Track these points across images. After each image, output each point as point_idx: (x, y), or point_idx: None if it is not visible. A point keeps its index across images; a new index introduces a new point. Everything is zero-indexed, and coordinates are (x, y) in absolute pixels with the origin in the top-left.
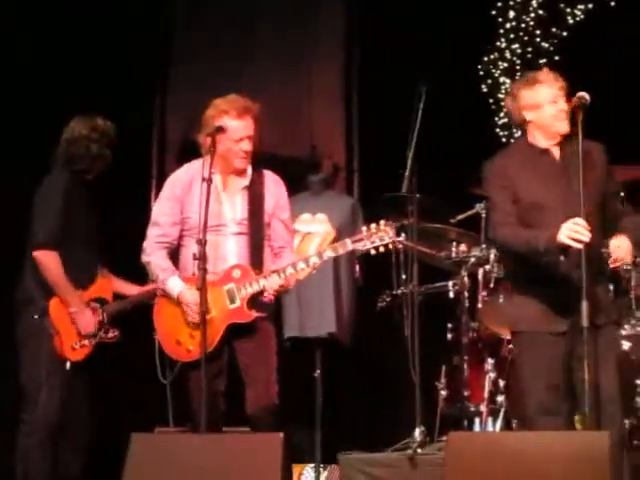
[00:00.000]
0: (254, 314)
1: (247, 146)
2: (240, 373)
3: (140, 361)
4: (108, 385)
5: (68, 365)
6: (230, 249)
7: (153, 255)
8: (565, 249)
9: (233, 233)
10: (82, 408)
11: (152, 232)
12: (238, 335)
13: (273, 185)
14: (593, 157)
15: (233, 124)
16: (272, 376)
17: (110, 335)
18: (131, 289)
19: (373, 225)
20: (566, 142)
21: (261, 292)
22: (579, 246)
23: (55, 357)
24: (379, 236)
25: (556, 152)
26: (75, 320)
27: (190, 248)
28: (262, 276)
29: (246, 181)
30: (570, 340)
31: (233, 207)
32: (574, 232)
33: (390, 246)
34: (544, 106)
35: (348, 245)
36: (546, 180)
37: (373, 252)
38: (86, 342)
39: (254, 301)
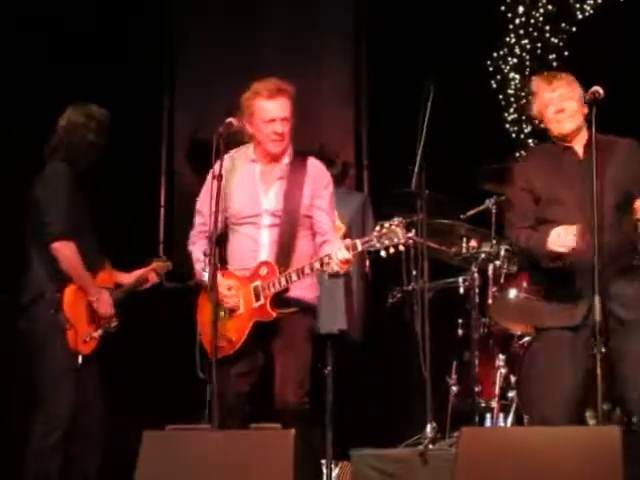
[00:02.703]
0: (276, 313)
1: (279, 128)
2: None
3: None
4: (145, 379)
5: (80, 359)
6: (263, 242)
7: (195, 245)
8: (559, 256)
9: (267, 225)
10: (94, 405)
11: (195, 221)
12: (270, 332)
13: (313, 174)
14: (617, 153)
15: (263, 104)
16: (303, 375)
17: (113, 325)
18: (126, 278)
19: (385, 225)
20: (595, 141)
21: (285, 290)
22: (565, 251)
23: (69, 353)
24: (389, 237)
25: (580, 150)
26: (97, 307)
27: (232, 240)
28: (284, 275)
29: (282, 172)
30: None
31: (267, 197)
32: (558, 239)
33: (401, 247)
34: (542, 112)
35: (358, 246)
36: (566, 178)
37: (383, 253)
38: (95, 334)
39: (280, 299)
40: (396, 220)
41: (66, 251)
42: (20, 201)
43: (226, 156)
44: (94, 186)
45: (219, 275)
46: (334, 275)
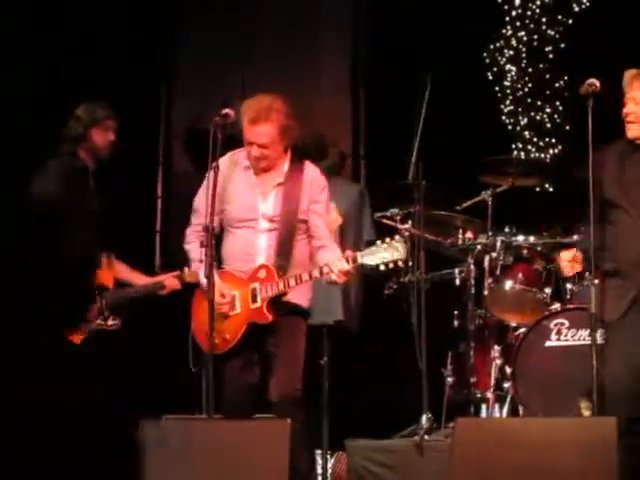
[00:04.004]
0: (272, 317)
1: (254, 152)
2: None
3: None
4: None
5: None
6: (260, 246)
7: (191, 244)
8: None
9: (264, 229)
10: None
11: (192, 220)
12: (266, 331)
13: (310, 180)
14: None
15: (246, 125)
16: (297, 365)
17: (110, 323)
18: (138, 278)
19: (387, 240)
20: None
21: (283, 294)
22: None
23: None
24: (390, 252)
25: None
26: None
27: (229, 242)
28: (282, 280)
29: (280, 178)
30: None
31: (266, 203)
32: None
33: (400, 264)
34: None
35: (358, 259)
36: (627, 178)
37: (383, 267)
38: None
39: (277, 303)
40: (397, 236)
41: None
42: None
43: (227, 155)
44: (101, 183)
45: (217, 277)
46: (332, 283)
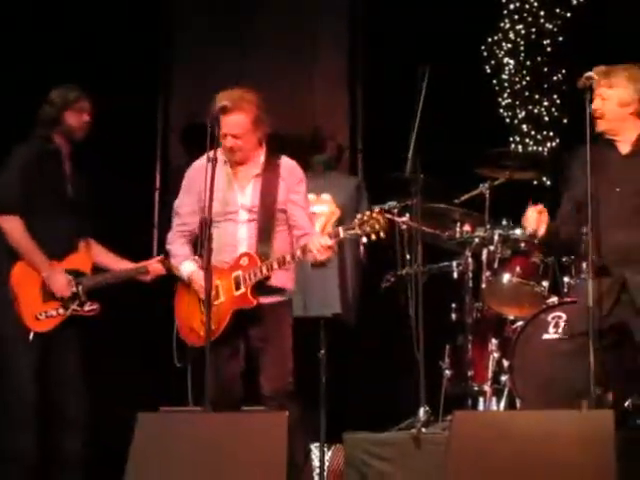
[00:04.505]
0: (257, 300)
1: (228, 142)
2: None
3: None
4: (130, 366)
5: (31, 336)
6: (241, 236)
7: (173, 244)
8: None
9: (244, 221)
10: (72, 383)
11: (174, 222)
12: (251, 321)
13: (287, 171)
14: None
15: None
16: (286, 359)
17: (87, 308)
18: (118, 263)
19: (367, 213)
20: None
21: (266, 278)
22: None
23: (21, 328)
24: (370, 224)
25: (623, 148)
26: (49, 285)
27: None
28: (265, 264)
29: (257, 169)
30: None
31: (244, 195)
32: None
33: (382, 234)
34: None
35: (340, 233)
36: (604, 176)
37: (365, 239)
38: (53, 312)
39: (261, 287)
40: (377, 208)
41: (9, 225)
42: None
43: (203, 156)
44: (83, 166)
45: (198, 270)
46: (317, 265)
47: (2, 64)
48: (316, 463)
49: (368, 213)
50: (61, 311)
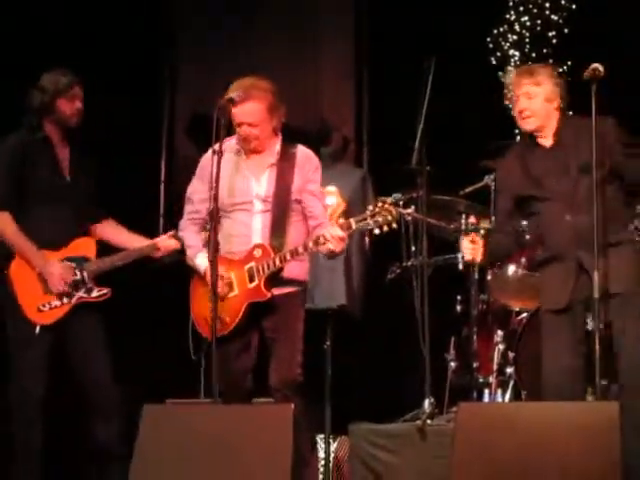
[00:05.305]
0: (271, 293)
1: (244, 131)
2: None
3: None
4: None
5: (37, 330)
6: (255, 227)
7: (185, 231)
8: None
9: (258, 211)
10: (99, 376)
11: (186, 209)
12: (264, 312)
13: (303, 160)
14: (589, 132)
15: (234, 111)
16: (296, 350)
17: (95, 295)
18: (134, 243)
19: (379, 204)
20: (565, 125)
21: (280, 270)
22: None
23: (26, 322)
24: (382, 215)
25: (546, 142)
26: (43, 277)
27: (224, 226)
28: (279, 256)
29: (272, 159)
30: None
31: (259, 184)
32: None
33: (394, 225)
34: (514, 106)
35: (352, 225)
36: (535, 173)
37: (377, 231)
38: (57, 303)
39: (274, 279)
40: (389, 199)
41: None
42: None
43: (218, 143)
44: (84, 153)
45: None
46: (331, 256)
47: (4, 64)
48: (321, 455)
49: (380, 204)
50: (65, 300)
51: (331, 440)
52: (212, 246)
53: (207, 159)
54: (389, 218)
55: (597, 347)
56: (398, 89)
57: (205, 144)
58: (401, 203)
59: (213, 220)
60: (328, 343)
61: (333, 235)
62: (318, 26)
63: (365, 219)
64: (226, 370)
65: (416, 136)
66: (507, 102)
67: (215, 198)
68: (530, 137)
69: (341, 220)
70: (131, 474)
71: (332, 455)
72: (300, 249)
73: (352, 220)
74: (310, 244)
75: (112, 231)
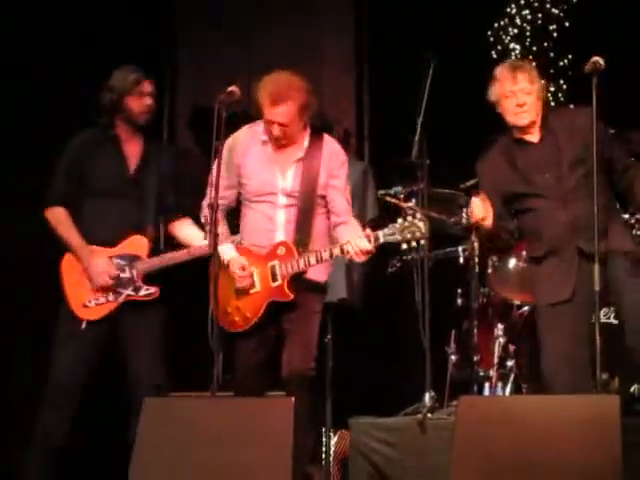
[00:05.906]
0: (294, 295)
1: (275, 131)
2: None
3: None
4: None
5: (84, 325)
6: (279, 221)
7: (208, 217)
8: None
9: (283, 205)
10: (139, 377)
11: (210, 193)
12: (283, 307)
13: (329, 155)
14: (577, 124)
15: (265, 107)
16: (311, 343)
17: (142, 293)
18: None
19: (408, 218)
20: (551, 119)
21: (302, 272)
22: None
23: (72, 317)
24: (411, 230)
25: (533, 137)
26: (88, 274)
27: (248, 217)
28: (303, 258)
29: (300, 153)
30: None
31: (285, 178)
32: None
33: (422, 242)
34: (501, 101)
35: (380, 238)
36: (523, 169)
37: (405, 246)
38: (102, 300)
39: (297, 280)
40: (418, 214)
41: (52, 218)
42: None
43: (245, 128)
44: (151, 149)
45: (238, 257)
46: (351, 260)
47: (8, 64)
48: (322, 448)
49: (410, 219)
50: (111, 297)
51: (331, 433)
52: (212, 239)
53: (235, 143)
54: (417, 234)
55: (597, 340)
56: (398, 83)
57: (207, 138)
58: (401, 196)
59: (214, 212)
60: (329, 337)
61: (361, 248)
62: (319, 17)
63: (394, 233)
64: (244, 365)
65: (416, 129)
66: (493, 98)
67: (216, 194)
68: (516, 133)
69: (368, 231)
70: (131, 467)
71: (332, 448)
72: (325, 255)
73: (380, 233)
74: (336, 251)
75: (184, 231)
